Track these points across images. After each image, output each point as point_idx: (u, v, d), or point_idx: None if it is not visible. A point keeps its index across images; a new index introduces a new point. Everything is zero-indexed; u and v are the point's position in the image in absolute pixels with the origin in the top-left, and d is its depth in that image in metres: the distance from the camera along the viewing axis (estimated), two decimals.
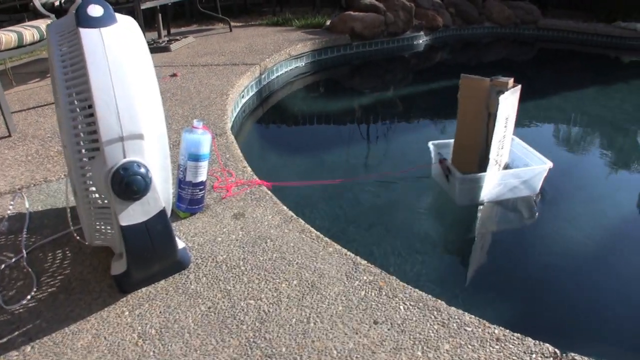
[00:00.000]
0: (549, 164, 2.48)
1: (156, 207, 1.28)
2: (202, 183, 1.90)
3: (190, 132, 1.82)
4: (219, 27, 6.47)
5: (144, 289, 1.49)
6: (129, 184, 1.19)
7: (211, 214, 1.96)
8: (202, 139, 1.83)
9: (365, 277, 1.57)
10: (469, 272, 2.16)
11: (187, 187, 1.88)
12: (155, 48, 5.04)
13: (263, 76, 4.66)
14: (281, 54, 5.04)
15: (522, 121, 4.23)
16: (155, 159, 1.29)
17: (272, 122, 4.30)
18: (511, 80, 2.28)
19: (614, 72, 6.13)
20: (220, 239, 1.79)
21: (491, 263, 2.22)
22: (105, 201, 1.29)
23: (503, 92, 2.21)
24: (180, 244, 1.57)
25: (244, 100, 4.14)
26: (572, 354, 1.31)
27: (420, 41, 7.05)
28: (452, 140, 2.65)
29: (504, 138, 2.43)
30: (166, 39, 5.40)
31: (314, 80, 5.53)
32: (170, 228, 1.34)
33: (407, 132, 4.13)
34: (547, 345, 1.32)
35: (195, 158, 1.84)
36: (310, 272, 1.60)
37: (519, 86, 2.35)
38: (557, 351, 1.31)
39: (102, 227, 1.37)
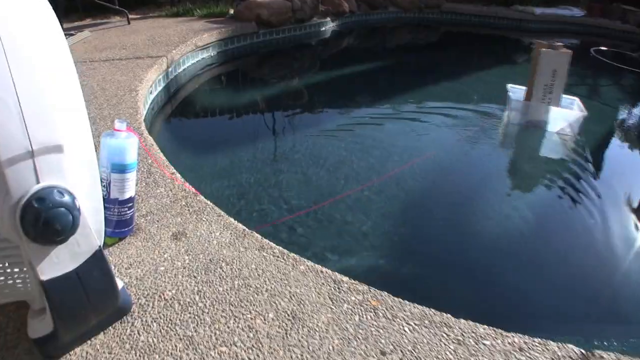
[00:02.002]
0: (584, 113, 3.32)
1: (90, 248, 0.92)
2: (131, 199, 1.53)
3: (111, 136, 1.44)
4: (116, 20, 5.84)
5: (77, 350, 1.11)
6: (49, 221, 0.82)
7: (144, 236, 1.59)
8: (128, 144, 1.46)
9: (353, 298, 1.31)
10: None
11: (112, 206, 1.49)
12: None
13: (170, 69, 4.21)
14: (187, 45, 4.60)
15: (425, 101, 4.23)
16: (82, 179, 0.93)
17: (185, 119, 3.89)
18: (560, 45, 3.31)
19: (515, 53, 6.34)
20: (163, 268, 1.43)
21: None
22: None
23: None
24: (118, 283, 1.20)
25: (152, 97, 3.68)
26: (599, 352, 1.16)
27: (327, 27, 6.87)
28: (524, 87, 3.61)
29: (552, 86, 3.34)
30: None
31: (223, 71, 5.15)
32: (111, 271, 0.99)
33: (322, 119, 3.94)
34: (572, 346, 1.17)
35: (121, 169, 1.46)
36: (287, 300, 1.30)
37: (569, 52, 3.27)
38: (583, 351, 1.15)
39: (8, 273, 0.98)
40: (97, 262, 0.94)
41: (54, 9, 0.91)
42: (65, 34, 4.73)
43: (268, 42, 6.06)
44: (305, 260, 1.46)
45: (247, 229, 1.62)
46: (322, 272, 1.41)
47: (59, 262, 0.87)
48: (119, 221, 1.52)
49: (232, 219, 1.68)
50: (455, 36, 7.40)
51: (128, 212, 1.53)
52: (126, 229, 1.56)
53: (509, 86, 3.77)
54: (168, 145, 3.21)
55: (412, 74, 5.27)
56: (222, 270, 1.42)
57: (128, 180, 1.49)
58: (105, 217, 1.50)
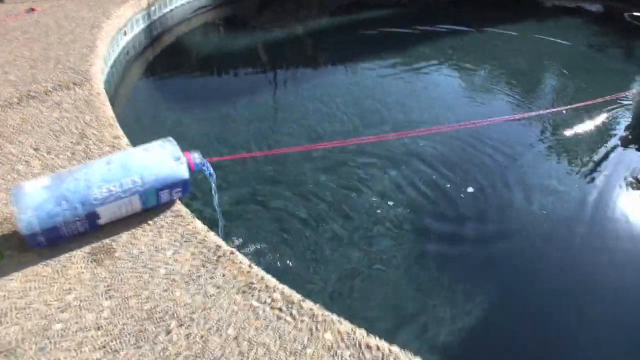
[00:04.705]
0: None
1: None
2: None
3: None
4: None
5: None
6: None
7: (44, 254, 0.85)
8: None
9: None
10: None
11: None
12: None
13: (153, 8, 3.38)
14: None
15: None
16: None
17: (167, 69, 3.08)
18: None
19: (537, 16, 5.38)
20: (59, 326, 0.71)
21: None
22: None
23: None
24: None
25: (127, 39, 2.88)
26: None
27: None
28: None
29: None
30: None
31: (218, 15, 4.30)
32: None
33: (332, 73, 3.12)
34: None
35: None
36: None
37: None
38: None
39: None
40: None
41: None
42: None
43: None
44: (330, 314, 0.73)
45: (224, 246, 0.87)
46: (367, 346, 0.68)
47: None
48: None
49: (199, 224, 0.93)
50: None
51: None
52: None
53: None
54: (136, 98, 2.45)
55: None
56: (171, 339, 0.69)
57: None
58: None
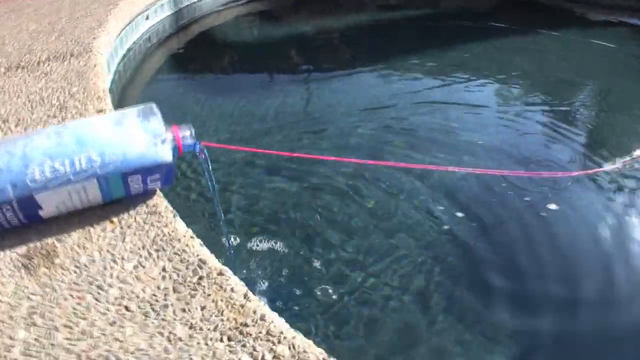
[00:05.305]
0: None
1: None
2: None
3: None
4: None
5: None
6: None
7: None
8: None
9: None
10: None
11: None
12: None
13: None
14: None
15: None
16: None
17: (190, 60, 2.86)
18: None
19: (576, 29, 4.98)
20: None
21: None
22: None
23: None
24: None
25: (149, 24, 2.68)
26: None
27: None
28: None
29: None
30: None
31: (251, 10, 4.08)
32: None
33: (365, 77, 2.80)
34: None
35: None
36: None
37: None
38: None
39: None
40: None
41: None
42: None
43: None
44: None
45: (211, 262, 0.59)
46: None
47: None
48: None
49: (181, 227, 0.65)
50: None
51: None
52: None
53: None
54: (153, 82, 2.24)
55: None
56: None
57: None
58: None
